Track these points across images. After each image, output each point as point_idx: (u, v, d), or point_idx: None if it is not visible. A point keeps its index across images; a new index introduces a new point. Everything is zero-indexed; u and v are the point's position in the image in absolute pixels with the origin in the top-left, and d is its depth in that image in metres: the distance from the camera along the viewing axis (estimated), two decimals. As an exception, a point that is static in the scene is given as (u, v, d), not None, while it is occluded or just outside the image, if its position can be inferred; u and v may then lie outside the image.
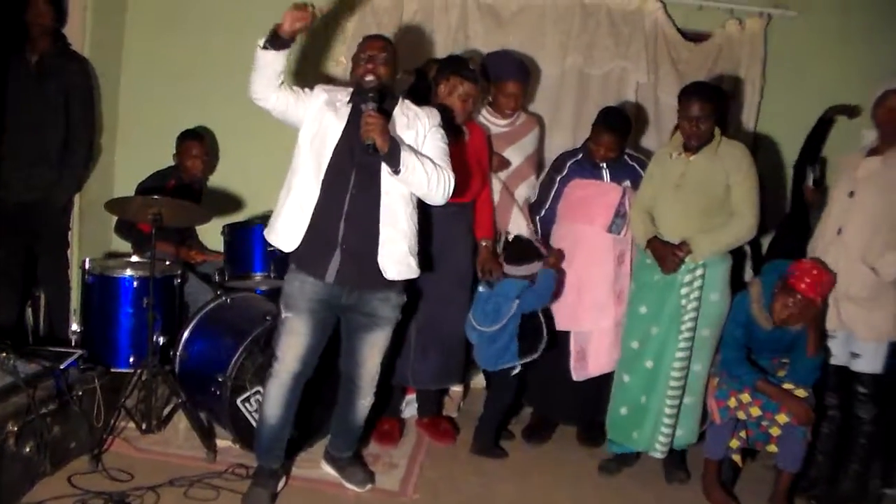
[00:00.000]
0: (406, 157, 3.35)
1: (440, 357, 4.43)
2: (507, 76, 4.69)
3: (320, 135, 3.52)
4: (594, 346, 4.56)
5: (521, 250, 4.40)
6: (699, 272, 4.08)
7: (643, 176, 4.39)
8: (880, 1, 5.44)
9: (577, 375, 4.59)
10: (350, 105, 3.57)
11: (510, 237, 4.61)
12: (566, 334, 4.61)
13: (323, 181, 3.48)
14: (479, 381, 5.11)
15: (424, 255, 3.82)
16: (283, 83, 3.50)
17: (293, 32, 3.36)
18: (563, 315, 4.59)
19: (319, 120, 3.54)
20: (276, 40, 3.36)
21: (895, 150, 3.93)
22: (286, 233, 3.53)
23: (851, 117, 5.14)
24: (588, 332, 4.57)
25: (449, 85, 4.24)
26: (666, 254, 4.07)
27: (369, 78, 3.50)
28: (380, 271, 3.54)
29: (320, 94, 3.61)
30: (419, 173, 3.39)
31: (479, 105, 4.59)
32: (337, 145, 3.49)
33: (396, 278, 3.61)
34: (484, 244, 4.48)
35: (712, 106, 4.04)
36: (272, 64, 3.41)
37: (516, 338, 4.33)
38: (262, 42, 3.38)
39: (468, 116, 4.35)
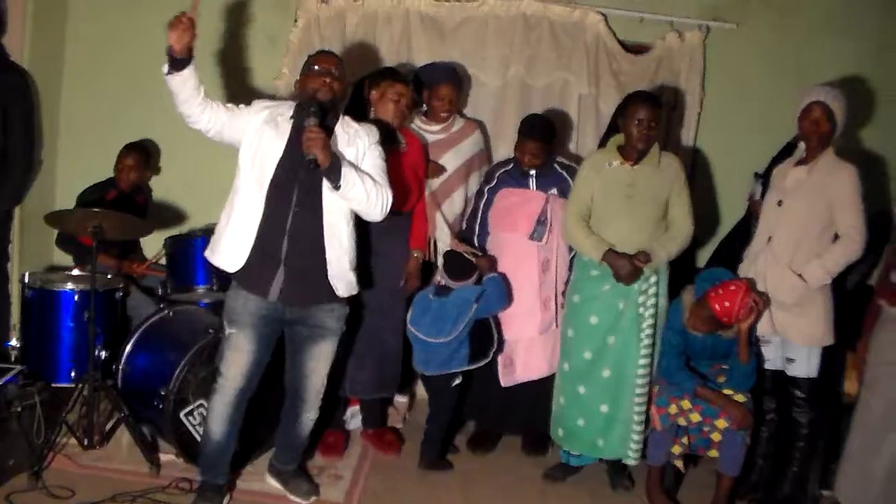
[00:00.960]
0: (347, 173, 3.36)
1: (377, 367, 4.45)
2: (439, 80, 4.74)
3: (261, 153, 3.50)
4: (522, 353, 4.59)
5: (459, 263, 4.44)
6: (653, 279, 4.16)
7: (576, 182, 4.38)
8: (814, 15, 5.55)
9: (504, 381, 4.61)
10: (292, 121, 3.57)
11: (443, 252, 4.62)
12: None
13: (266, 199, 3.47)
14: (424, 391, 5.10)
15: (364, 267, 3.83)
16: (209, 99, 3.45)
17: (184, 48, 3.29)
18: None
19: (260, 138, 3.52)
20: (174, 62, 3.31)
21: (820, 160, 4.01)
22: (229, 253, 3.52)
23: None
24: (515, 339, 4.59)
25: (380, 89, 4.27)
26: (626, 266, 4.10)
27: (324, 92, 3.52)
28: (328, 287, 3.57)
29: (260, 110, 3.59)
30: (359, 190, 3.41)
31: (412, 110, 4.61)
32: (279, 163, 3.48)
33: (345, 295, 3.64)
34: (415, 255, 4.49)
35: (659, 112, 4.14)
36: (183, 85, 3.35)
37: (466, 343, 4.36)
38: (165, 69, 3.32)
39: (403, 120, 4.36)
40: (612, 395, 4.19)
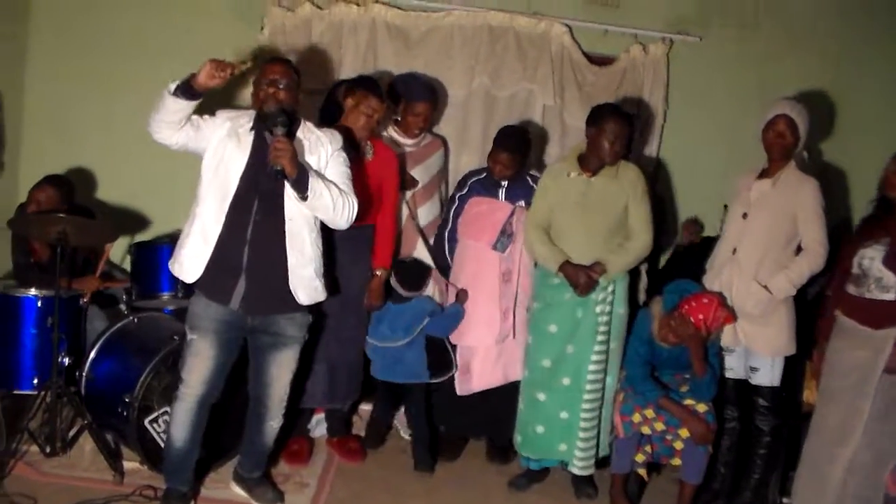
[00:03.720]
0: (313, 183, 3.38)
1: (338, 376, 4.44)
2: (417, 97, 4.74)
3: (224, 164, 3.51)
4: (479, 361, 4.60)
5: (414, 274, 4.54)
6: (610, 289, 4.21)
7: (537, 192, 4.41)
8: (775, 30, 5.64)
9: (461, 390, 4.63)
10: (252, 132, 3.57)
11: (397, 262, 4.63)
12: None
13: (228, 210, 3.47)
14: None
15: (329, 277, 3.84)
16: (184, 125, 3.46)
17: (207, 88, 3.31)
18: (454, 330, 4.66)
19: (223, 150, 3.52)
20: (187, 90, 3.31)
21: (783, 173, 4.08)
22: (189, 263, 3.53)
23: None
24: (473, 346, 4.62)
25: (355, 98, 4.24)
26: (581, 277, 4.14)
27: (269, 104, 3.50)
28: (290, 295, 3.57)
29: (223, 122, 3.58)
30: (325, 199, 3.43)
31: (384, 123, 4.63)
32: (241, 174, 3.49)
33: (308, 302, 3.65)
34: (378, 273, 4.44)
35: (629, 128, 4.20)
36: (179, 112, 3.37)
37: (424, 354, 4.45)
38: (172, 87, 3.32)
39: (370, 133, 4.36)
40: (572, 403, 4.22)
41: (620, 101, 5.33)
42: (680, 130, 5.64)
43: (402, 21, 5.47)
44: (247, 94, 5.26)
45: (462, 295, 4.55)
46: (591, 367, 4.19)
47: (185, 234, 3.57)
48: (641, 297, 4.96)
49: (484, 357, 4.59)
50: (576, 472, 4.28)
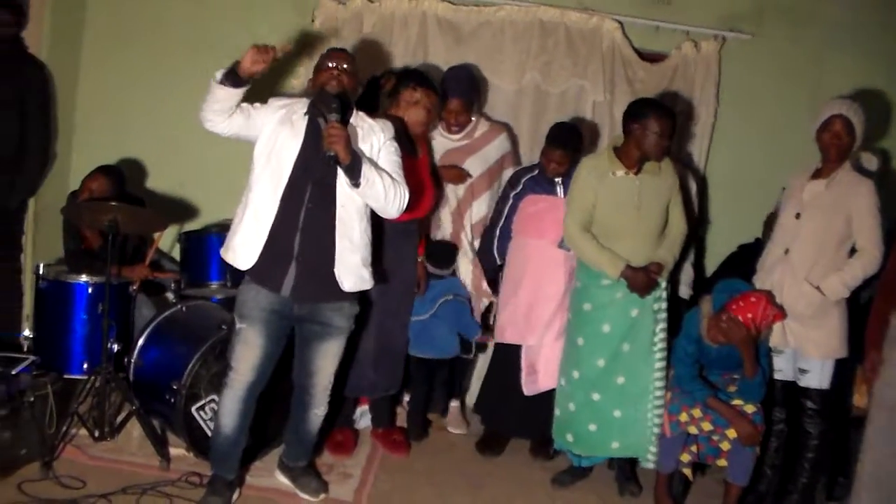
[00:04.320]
0: (366, 171, 3.38)
1: (385, 365, 4.47)
2: (448, 93, 4.73)
3: (277, 151, 3.52)
4: (544, 361, 4.58)
5: (442, 252, 4.71)
6: (664, 285, 4.22)
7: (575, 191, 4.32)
8: (829, 28, 5.56)
9: (528, 390, 4.61)
10: (307, 117, 3.59)
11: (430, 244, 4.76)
12: (517, 349, 4.66)
13: (281, 196, 3.49)
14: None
15: (377, 266, 3.85)
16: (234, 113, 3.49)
17: (252, 73, 3.34)
18: (514, 329, 4.64)
19: (276, 137, 3.53)
20: (233, 77, 3.34)
21: (838, 173, 4.03)
22: (243, 250, 3.54)
23: None
24: (537, 346, 4.60)
25: (416, 94, 4.28)
26: (643, 280, 4.11)
27: (333, 84, 3.53)
28: (335, 283, 3.57)
29: (276, 109, 3.61)
30: (377, 187, 3.42)
31: (436, 120, 4.65)
32: (295, 161, 3.50)
33: (352, 289, 3.64)
34: (420, 260, 4.60)
35: (674, 123, 4.15)
36: (227, 100, 3.40)
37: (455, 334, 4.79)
38: (218, 76, 3.36)
39: (427, 128, 4.37)
40: (626, 401, 4.21)
41: (671, 98, 5.30)
42: (730, 129, 5.59)
43: (453, 15, 5.48)
44: (293, 83, 5.34)
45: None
46: (657, 365, 4.20)
47: (237, 221, 3.58)
48: (686, 291, 4.93)
49: (549, 356, 4.56)
50: (649, 465, 4.27)
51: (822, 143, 4.07)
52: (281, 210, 3.49)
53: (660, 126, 4.03)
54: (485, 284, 4.86)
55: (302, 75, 5.36)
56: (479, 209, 4.86)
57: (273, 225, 3.49)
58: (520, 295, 4.62)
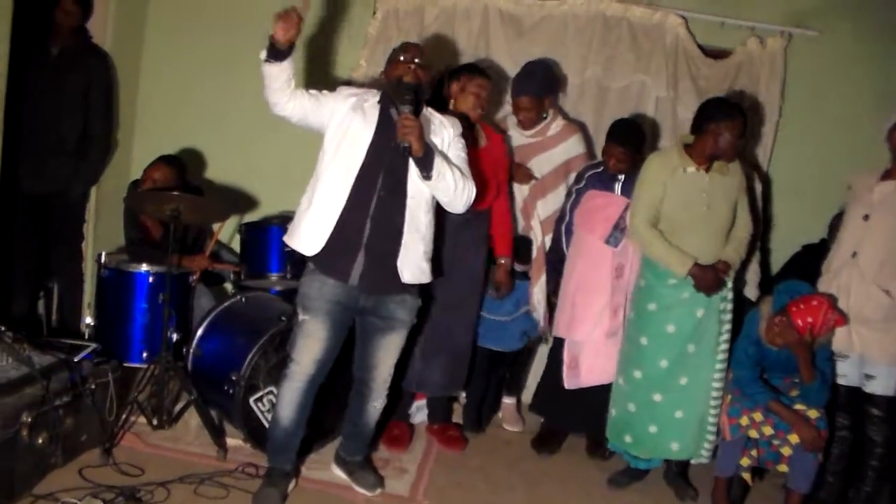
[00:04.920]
0: (438, 163, 3.37)
1: (447, 364, 4.45)
2: (517, 92, 4.73)
3: (349, 139, 3.52)
4: (586, 357, 4.56)
5: (524, 248, 4.75)
6: (729, 285, 4.17)
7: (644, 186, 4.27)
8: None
9: (568, 384, 4.59)
10: (379, 107, 3.59)
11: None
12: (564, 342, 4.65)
13: (353, 183, 3.48)
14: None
15: (437, 260, 3.84)
16: (295, 88, 3.48)
17: (288, 41, 3.33)
18: (561, 322, 4.64)
19: (347, 124, 3.53)
20: (275, 52, 3.35)
21: None
22: (309, 237, 3.53)
23: None
24: (581, 341, 4.57)
25: (460, 83, 4.29)
26: (711, 278, 4.05)
27: (409, 77, 3.53)
28: (397, 274, 3.56)
29: (347, 97, 3.61)
30: (448, 180, 3.42)
31: (491, 104, 4.68)
32: (368, 149, 3.50)
33: (412, 282, 3.63)
34: (503, 262, 4.55)
35: (745, 123, 4.09)
36: (279, 75, 3.40)
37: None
38: (263, 55, 3.37)
39: (483, 112, 4.36)
40: (688, 402, 4.16)
41: (735, 95, 5.21)
42: (795, 127, 5.47)
43: (515, 8, 5.43)
44: (351, 75, 5.33)
45: None
46: (718, 367, 4.15)
47: (303, 208, 3.58)
48: (753, 292, 4.84)
49: (594, 352, 4.53)
50: (703, 461, 4.24)
51: (893, 144, 4.00)
52: (352, 196, 3.49)
53: (736, 127, 3.99)
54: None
55: (362, 67, 5.37)
56: (546, 208, 4.81)
57: (342, 211, 3.49)
58: (568, 289, 4.61)
